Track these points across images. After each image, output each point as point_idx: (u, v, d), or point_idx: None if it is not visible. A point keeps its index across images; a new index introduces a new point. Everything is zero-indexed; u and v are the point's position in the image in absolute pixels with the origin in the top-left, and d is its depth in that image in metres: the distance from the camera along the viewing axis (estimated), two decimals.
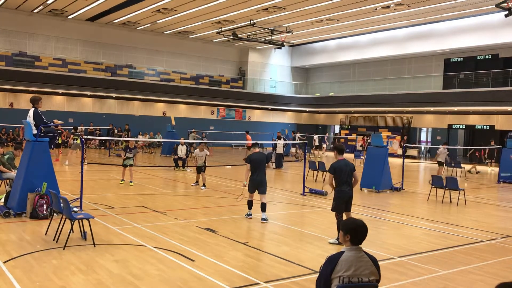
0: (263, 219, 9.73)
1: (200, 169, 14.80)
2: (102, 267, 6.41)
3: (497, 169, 23.67)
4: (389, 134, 34.36)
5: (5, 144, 27.91)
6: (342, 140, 40.34)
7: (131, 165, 14.93)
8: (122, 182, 14.99)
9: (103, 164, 19.75)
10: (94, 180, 15.66)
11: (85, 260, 6.68)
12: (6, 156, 11.75)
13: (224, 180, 17.05)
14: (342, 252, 3.80)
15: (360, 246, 3.85)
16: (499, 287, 2.82)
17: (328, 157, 31.99)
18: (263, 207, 9.83)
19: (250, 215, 10.11)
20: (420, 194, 15.41)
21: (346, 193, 8.16)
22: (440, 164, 20.14)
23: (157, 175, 17.52)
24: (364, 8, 26.84)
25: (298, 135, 32.24)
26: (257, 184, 9.89)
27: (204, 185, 14.68)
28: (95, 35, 34.04)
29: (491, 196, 16.24)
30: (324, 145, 34.57)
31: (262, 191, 9.92)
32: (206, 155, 14.94)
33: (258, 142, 10.85)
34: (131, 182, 14.71)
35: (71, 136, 21.20)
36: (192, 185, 15.07)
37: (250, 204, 10.12)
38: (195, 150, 15.37)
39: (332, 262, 3.74)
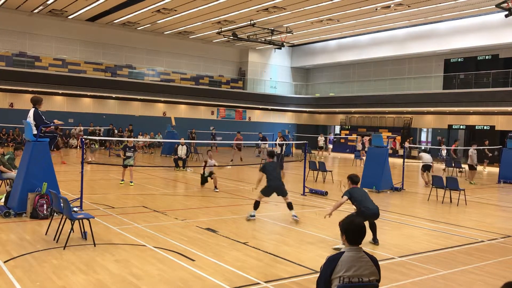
0: (294, 216, 9.92)
1: (208, 175, 14.59)
2: (103, 267, 6.41)
3: (489, 169, 23.76)
4: (389, 134, 34.41)
5: (5, 144, 27.95)
6: (342, 140, 40.42)
7: (131, 165, 14.90)
8: (122, 182, 14.96)
9: (103, 164, 19.75)
10: (94, 180, 15.66)
11: (86, 260, 6.68)
12: (6, 156, 11.76)
13: (224, 180, 17.04)
14: (342, 253, 3.80)
15: (360, 246, 3.85)
16: (505, 287, 2.82)
17: (334, 158, 32.00)
18: (290, 206, 10.00)
19: (253, 216, 10.09)
20: (421, 194, 15.41)
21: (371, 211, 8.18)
22: (472, 167, 19.25)
23: (157, 175, 17.51)
24: (364, 8, 26.84)
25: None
26: (273, 189, 10.07)
27: (216, 187, 14.28)
28: (95, 35, 34.06)
29: (491, 196, 16.23)
30: (330, 146, 34.35)
31: (283, 194, 10.09)
32: (214, 165, 14.70)
33: (273, 150, 11.07)
34: (131, 182, 14.70)
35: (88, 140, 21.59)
36: (216, 191, 14.13)
37: (256, 204, 10.10)
38: (209, 160, 14.73)
39: (332, 262, 3.74)
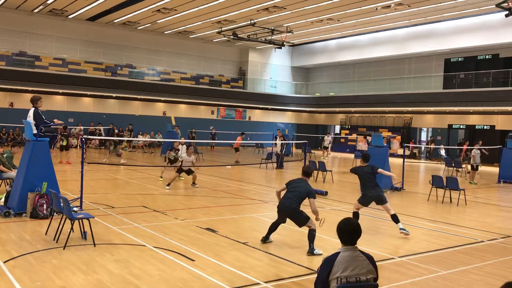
0: (402, 229, 8.87)
1: (189, 171, 14.52)
2: (102, 267, 6.41)
3: (487, 169, 23.76)
4: (389, 134, 34.43)
5: (5, 144, 27.94)
6: (342, 140, 40.44)
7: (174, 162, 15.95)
8: (161, 179, 15.93)
9: (104, 164, 19.74)
10: (94, 180, 15.66)
11: (85, 260, 6.68)
12: (4, 155, 11.71)
13: (224, 180, 17.05)
14: (337, 253, 3.79)
15: (355, 245, 3.84)
16: (505, 287, 2.83)
17: (334, 158, 31.98)
18: (395, 219, 8.95)
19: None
20: (421, 194, 15.41)
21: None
22: (473, 167, 19.27)
23: (157, 175, 17.48)
24: (364, 8, 26.84)
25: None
26: (372, 198, 9.16)
27: (194, 183, 14.71)
28: (95, 35, 34.06)
29: (491, 196, 16.24)
30: (330, 145, 34.20)
31: (382, 202, 9.08)
32: (192, 162, 14.53)
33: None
34: (180, 177, 15.80)
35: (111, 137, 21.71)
36: (167, 189, 14.04)
37: (355, 215, 9.21)
38: (183, 154, 14.75)
39: (328, 264, 3.74)
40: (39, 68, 30.51)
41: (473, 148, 19.85)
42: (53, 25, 32.32)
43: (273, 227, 8.06)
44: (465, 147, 25.76)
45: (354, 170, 9.62)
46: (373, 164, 9.59)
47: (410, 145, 30.62)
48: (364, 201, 9.29)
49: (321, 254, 7.36)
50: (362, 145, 29.72)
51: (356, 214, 9.25)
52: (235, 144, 25.01)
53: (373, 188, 9.15)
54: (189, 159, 14.38)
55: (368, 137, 29.58)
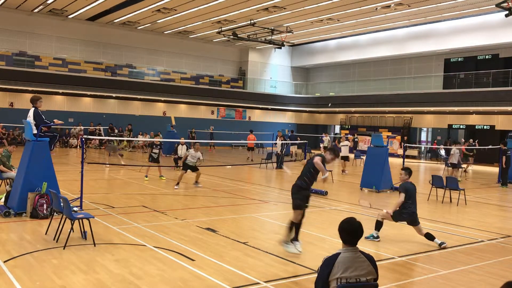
0: (440, 243, 8.27)
1: (194, 168, 14.60)
2: (103, 266, 6.41)
3: (487, 168, 23.79)
4: (389, 134, 34.42)
5: (4, 144, 27.94)
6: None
7: (157, 162, 16.10)
8: (146, 178, 15.83)
9: (104, 164, 19.74)
10: (94, 179, 15.66)
11: (85, 259, 6.68)
12: (3, 154, 11.67)
13: (224, 180, 17.05)
14: (338, 254, 3.79)
15: (356, 246, 3.84)
16: (506, 286, 2.83)
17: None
18: (430, 236, 8.36)
19: (378, 237, 8.68)
20: (421, 194, 15.36)
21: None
22: (454, 166, 19.54)
23: (157, 175, 17.50)
24: (364, 8, 26.84)
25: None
26: (408, 217, 8.59)
27: (197, 182, 14.82)
28: (95, 35, 34.06)
29: (491, 196, 16.24)
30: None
31: (415, 224, 8.59)
32: (199, 158, 14.53)
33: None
34: (162, 176, 16.05)
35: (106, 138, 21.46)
36: (175, 188, 14.22)
37: (379, 225, 8.72)
38: (190, 150, 14.87)
39: (328, 264, 3.74)
40: (39, 68, 30.50)
41: (452, 148, 20.03)
42: (53, 25, 32.32)
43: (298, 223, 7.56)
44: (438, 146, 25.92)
45: (405, 189, 8.62)
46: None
47: (434, 146, 30.50)
48: (397, 217, 8.63)
49: (291, 252, 7.34)
50: (362, 145, 29.73)
51: (379, 223, 8.73)
52: (250, 144, 25.37)
53: (412, 206, 8.57)
54: (196, 154, 14.46)
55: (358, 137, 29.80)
